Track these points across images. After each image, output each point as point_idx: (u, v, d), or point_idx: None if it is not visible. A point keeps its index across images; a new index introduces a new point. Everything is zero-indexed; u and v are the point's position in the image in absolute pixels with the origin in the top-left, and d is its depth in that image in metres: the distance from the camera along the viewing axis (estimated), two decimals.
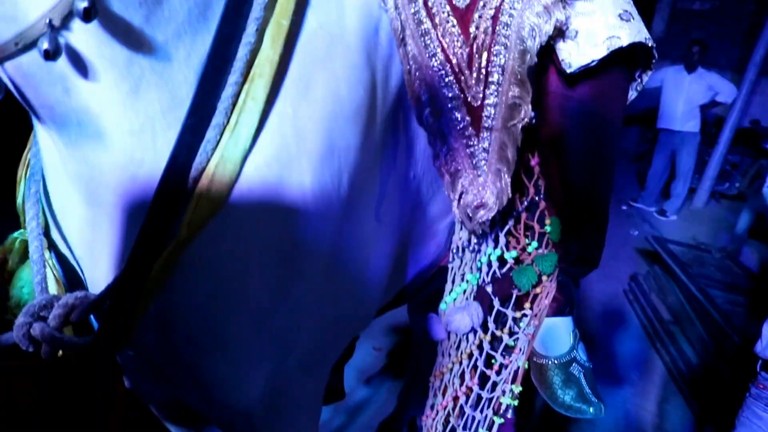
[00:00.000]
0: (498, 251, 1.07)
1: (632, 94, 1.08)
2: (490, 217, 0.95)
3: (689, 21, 9.60)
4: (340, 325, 0.97)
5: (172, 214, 0.70)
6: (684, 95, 5.88)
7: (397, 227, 0.97)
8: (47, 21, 0.57)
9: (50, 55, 0.58)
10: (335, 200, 0.82)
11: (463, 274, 1.12)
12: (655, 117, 6.19)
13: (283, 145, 0.75)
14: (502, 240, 1.07)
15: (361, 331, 1.14)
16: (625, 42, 0.91)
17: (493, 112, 0.91)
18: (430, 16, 0.90)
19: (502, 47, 0.89)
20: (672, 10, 10.20)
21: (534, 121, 0.98)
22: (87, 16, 0.57)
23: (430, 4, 0.90)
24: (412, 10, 0.90)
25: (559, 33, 0.92)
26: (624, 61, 0.97)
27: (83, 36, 0.62)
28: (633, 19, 0.93)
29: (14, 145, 0.94)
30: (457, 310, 1.11)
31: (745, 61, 6.24)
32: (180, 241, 0.70)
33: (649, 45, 0.95)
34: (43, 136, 0.79)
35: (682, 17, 9.88)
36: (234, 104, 0.72)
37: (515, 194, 1.02)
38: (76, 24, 0.60)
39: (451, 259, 1.14)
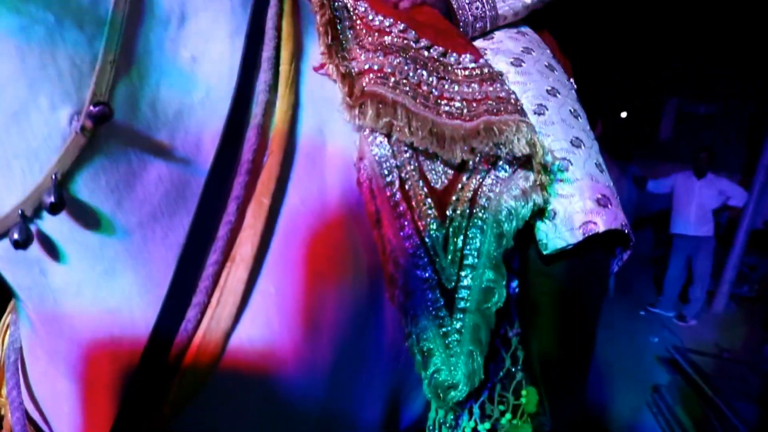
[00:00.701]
0: (471, 423, 1.03)
1: (614, 268, 1.12)
2: (461, 398, 0.92)
3: (695, 124, 9.92)
4: None
5: (154, 392, 0.69)
6: (695, 201, 5.91)
7: (385, 390, 0.96)
8: (20, 212, 0.60)
9: (20, 245, 0.59)
10: (321, 373, 0.81)
11: None
12: (668, 219, 6.20)
13: (266, 323, 0.75)
14: (476, 412, 1.03)
15: None
16: (601, 228, 0.92)
17: (467, 294, 0.90)
18: (407, 198, 0.89)
19: (479, 230, 0.89)
20: (678, 114, 10.59)
21: (515, 292, 1.00)
22: (53, 209, 0.59)
23: (407, 187, 0.89)
24: (388, 194, 0.88)
25: (537, 214, 0.93)
26: (602, 242, 0.98)
27: (55, 224, 0.63)
28: (611, 204, 0.95)
29: None
30: None
31: (753, 161, 6.34)
32: (163, 418, 0.69)
33: (626, 232, 0.97)
34: (22, 310, 0.80)
35: (689, 121, 10.23)
36: (215, 283, 0.71)
37: (490, 365, 1.00)
38: (47, 213, 0.61)
39: None
